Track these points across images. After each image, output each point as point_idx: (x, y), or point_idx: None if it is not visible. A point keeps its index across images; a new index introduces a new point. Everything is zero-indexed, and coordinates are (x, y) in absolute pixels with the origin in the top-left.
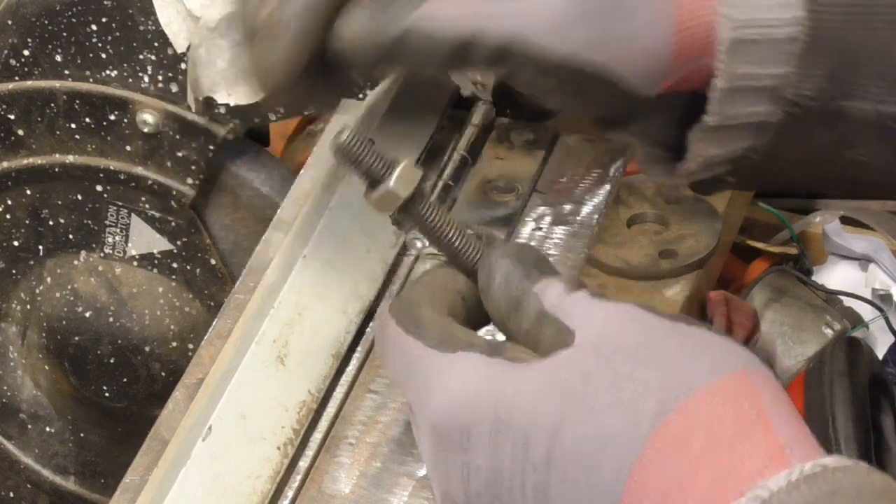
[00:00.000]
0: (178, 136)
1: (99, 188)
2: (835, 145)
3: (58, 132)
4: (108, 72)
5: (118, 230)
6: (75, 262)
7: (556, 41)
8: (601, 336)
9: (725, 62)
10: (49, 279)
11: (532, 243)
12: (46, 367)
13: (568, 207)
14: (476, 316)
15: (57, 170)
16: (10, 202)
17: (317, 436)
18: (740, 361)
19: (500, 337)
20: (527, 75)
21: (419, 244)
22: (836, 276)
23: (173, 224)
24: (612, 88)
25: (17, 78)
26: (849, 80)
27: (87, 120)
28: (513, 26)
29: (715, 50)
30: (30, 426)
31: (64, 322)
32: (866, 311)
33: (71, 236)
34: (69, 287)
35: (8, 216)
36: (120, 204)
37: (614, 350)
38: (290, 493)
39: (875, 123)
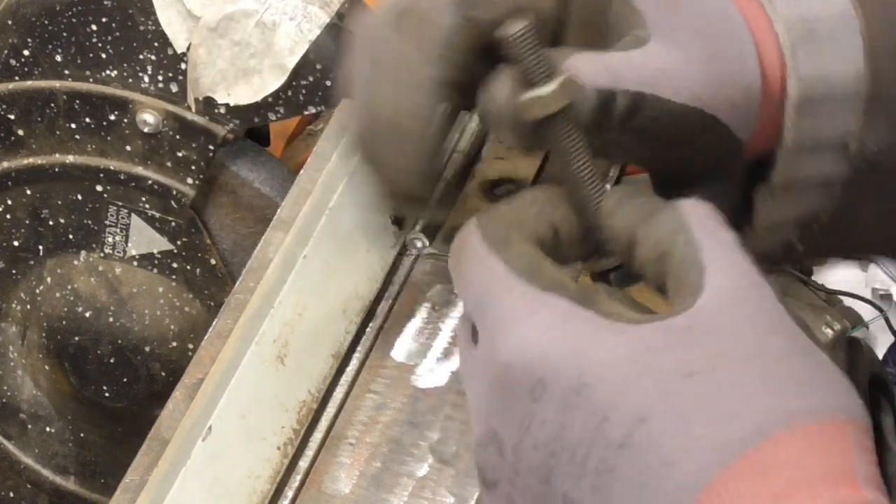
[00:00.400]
0: (178, 136)
1: (99, 188)
2: None
3: (58, 132)
4: (108, 72)
5: (118, 230)
6: (75, 262)
7: (684, 87)
8: (722, 320)
9: (793, 119)
10: (49, 279)
11: None
12: (46, 367)
13: None
14: (566, 253)
15: (57, 170)
16: (10, 202)
17: (317, 436)
18: (846, 408)
19: None
20: (660, 124)
21: (419, 244)
22: (836, 276)
23: (173, 224)
24: (719, 132)
25: (17, 78)
26: None
27: (87, 120)
28: (645, 75)
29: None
30: (30, 426)
31: (64, 322)
32: (866, 311)
33: (71, 236)
34: (69, 287)
35: (8, 216)
36: (120, 204)
37: (729, 348)
38: (290, 493)
39: None
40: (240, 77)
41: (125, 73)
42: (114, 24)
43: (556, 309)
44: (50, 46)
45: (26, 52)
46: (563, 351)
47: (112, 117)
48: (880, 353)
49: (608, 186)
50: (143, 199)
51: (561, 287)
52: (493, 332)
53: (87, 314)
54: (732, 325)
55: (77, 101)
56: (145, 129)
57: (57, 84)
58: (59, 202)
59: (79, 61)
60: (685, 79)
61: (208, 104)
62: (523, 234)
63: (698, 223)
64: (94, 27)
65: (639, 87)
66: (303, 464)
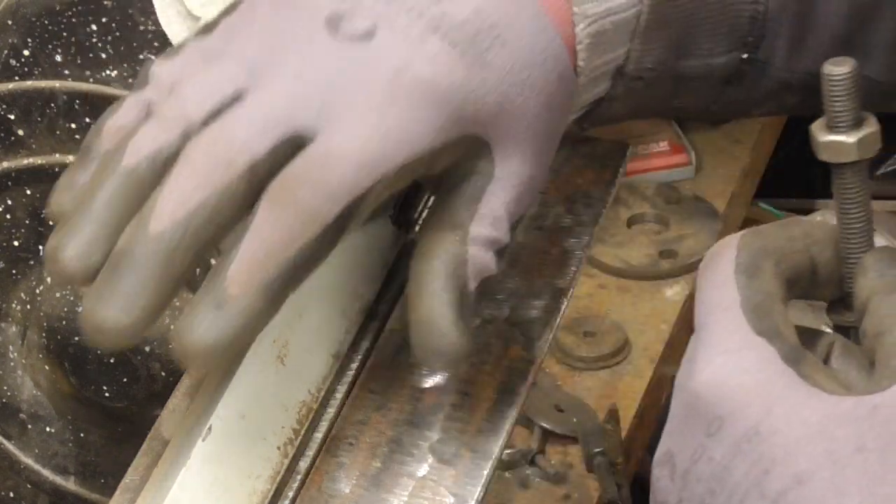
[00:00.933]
0: None
1: None
2: (663, 98)
3: (58, 132)
4: (108, 72)
5: None
6: None
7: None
8: None
9: (587, 59)
10: (49, 279)
11: None
12: (46, 367)
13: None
14: (816, 294)
15: (57, 170)
16: (10, 202)
17: (317, 436)
18: None
19: None
20: None
21: None
22: None
23: None
24: None
25: (17, 78)
26: (685, 45)
27: (87, 120)
28: None
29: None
30: (30, 426)
31: (64, 322)
32: None
33: None
34: (69, 287)
35: (8, 216)
36: None
37: None
38: (290, 493)
39: (703, 76)
40: None
41: (125, 73)
42: (114, 24)
43: (762, 356)
44: (50, 46)
45: (26, 52)
46: (750, 396)
47: None
48: None
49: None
50: None
51: (777, 336)
52: (696, 355)
53: None
54: None
55: (77, 101)
56: None
57: (57, 84)
58: None
59: (79, 61)
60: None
61: None
62: (780, 266)
63: None
64: (94, 27)
65: None
66: (303, 464)
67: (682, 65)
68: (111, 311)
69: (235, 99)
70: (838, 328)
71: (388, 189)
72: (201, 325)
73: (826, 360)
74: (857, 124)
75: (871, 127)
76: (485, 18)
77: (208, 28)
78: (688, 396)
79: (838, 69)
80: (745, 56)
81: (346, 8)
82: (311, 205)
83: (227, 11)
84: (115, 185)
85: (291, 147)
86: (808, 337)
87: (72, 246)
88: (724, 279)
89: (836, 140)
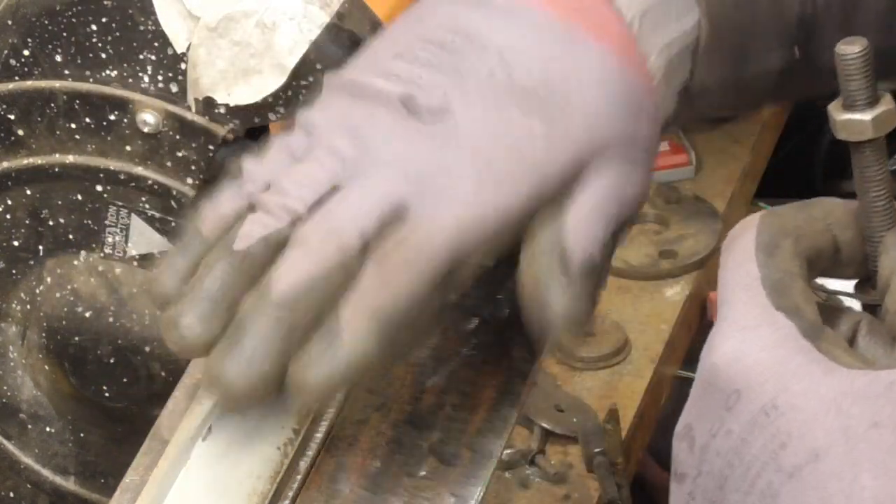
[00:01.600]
0: (178, 136)
1: (99, 188)
2: (721, 106)
3: (58, 132)
4: (108, 72)
5: (118, 230)
6: (75, 263)
7: None
8: None
9: (665, 89)
10: (49, 279)
11: None
12: (46, 367)
13: None
14: (841, 273)
15: (57, 170)
16: (10, 202)
17: (317, 436)
18: None
19: None
20: None
21: None
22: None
23: (173, 224)
24: None
25: (17, 78)
26: (742, 55)
27: (87, 120)
28: None
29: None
30: (30, 426)
31: (64, 322)
32: None
33: (71, 236)
34: (69, 287)
35: (8, 216)
36: (120, 204)
37: None
38: (290, 493)
39: (760, 79)
40: (240, 77)
41: (125, 73)
42: (114, 24)
43: (780, 331)
44: (50, 46)
45: (26, 52)
46: (768, 371)
47: (112, 117)
48: None
49: None
50: (143, 199)
51: (796, 312)
52: (716, 331)
53: (87, 314)
54: None
55: (77, 101)
56: (145, 129)
57: (57, 84)
58: (59, 202)
59: (79, 61)
60: None
61: (208, 104)
62: (799, 245)
63: None
64: (94, 27)
65: None
66: (303, 464)
67: (741, 74)
68: (237, 369)
69: (335, 189)
70: (866, 307)
71: (491, 248)
72: (316, 364)
73: (853, 338)
74: (872, 103)
75: (888, 104)
76: (554, 78)
77: (289, 126)
78: (707, 372)
79: (851, 48)
80: (797, 55)
81: (413, 87)
82: (416, 265)
83: (305, 109)
84: (228, 265)
85: (395, 218)
86: (835, 314)
87: (190, 317)
88: (744, 258)
89: (853, 118)
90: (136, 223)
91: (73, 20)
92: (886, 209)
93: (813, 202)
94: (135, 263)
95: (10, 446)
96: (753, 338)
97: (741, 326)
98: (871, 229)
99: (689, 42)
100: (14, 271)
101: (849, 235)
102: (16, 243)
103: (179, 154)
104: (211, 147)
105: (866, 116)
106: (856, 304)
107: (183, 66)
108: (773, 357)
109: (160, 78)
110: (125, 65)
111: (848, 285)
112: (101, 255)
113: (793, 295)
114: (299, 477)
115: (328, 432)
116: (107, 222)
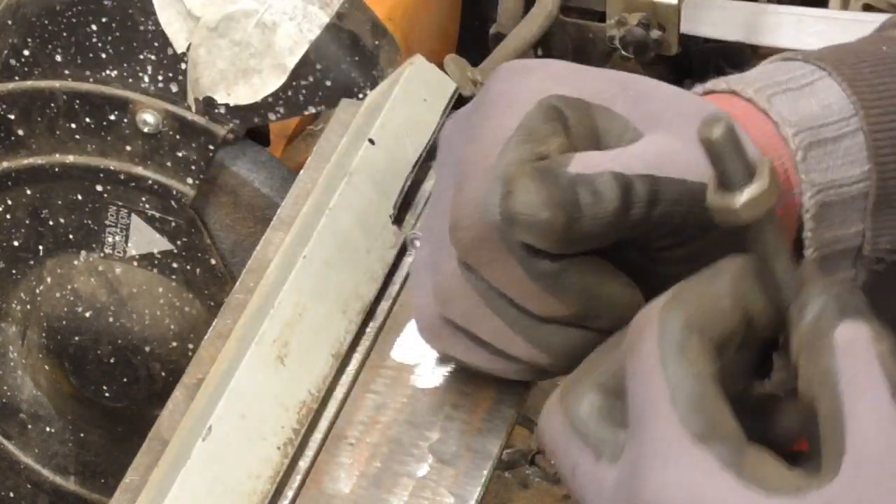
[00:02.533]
0: (178, 136)
1: (99, 188)
2: None
3: (58, 132)
4: (108, 72)
5: (118, 230)
6: (75, 262)
7: (692, 164)
8: (863, 492)
9: (814, 229)
10: (49, 279)
11: None
12: (46, 367)
13: None
14: (752, 341)
15: (57, 170)
16: (10, 202)
17: (317, 436)
18: None
19: None
20: (683, 208)
21: (419, 244)
22: None
23: (173, 224)
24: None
25: (17, 78)
26: None
27: (87, 120)
28: (649, 159)
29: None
30: (30, 426)
31: (64, 322)
32: None
33: (71, 236)
34: (69, 287)
35: (8, 216)
36: (120, 204)
37: None
38: (290, 493)
39: None
40: (240, 77)
41: (125, 73)
42: (114, 24)
43: (699, 465)
44: (50, 46)
45: (26, 52)
46: None
47: (112, 117)
48: None
49: None
50: (143, 199)
51: (713, 435)
52: (639, 463)
53: (87, 314)
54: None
55: (77, 101)
56: (145, 129)
57: (57, 84)
58: (59, 202)
59: (79, 61)
60: (690, 157)
61: (208, 104)
62: (707, 335)
63: (849, 363)
64: (94, 27)
65: (647, 171)
66: (303, 464)
67: None
68: None
69: None
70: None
71: None
72: None
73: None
74: (748, 174)
75: (763, 163)
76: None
77: None
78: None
79: (717, 130)
80: None
81: None
82: None
83: None
84: None
85: None
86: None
87: None
88: (649, 368)
89: (754, 194)
90: (136, 223)
91: (74, 20)
92: (787, 281)
93: (719, 272)
94: (135, 263)
95: (10, 446)
96: (675, 477)
97: (661, 465)
98: (783, 301)
99: (852, 193)
100: (14, 271)
101: (760, 307)
102: (16, 243)
103: (179, 154)
104: (211, 147)
105: (762, 184)
106: None
107: (183, 66)
108: (703, 495)
109: (160, 78)
110: (125, 65)
111: None
112: (101, 255)
113: (708, 412)
114: (299, 477)
115: (328, 432)
116: (107, 222)
